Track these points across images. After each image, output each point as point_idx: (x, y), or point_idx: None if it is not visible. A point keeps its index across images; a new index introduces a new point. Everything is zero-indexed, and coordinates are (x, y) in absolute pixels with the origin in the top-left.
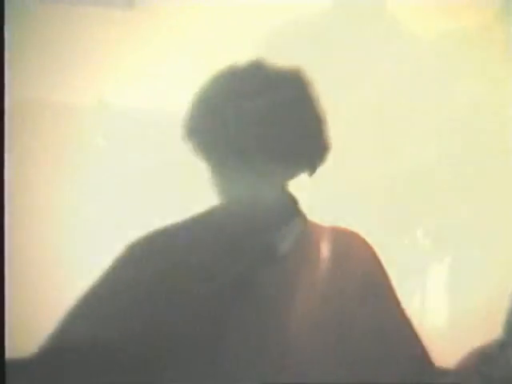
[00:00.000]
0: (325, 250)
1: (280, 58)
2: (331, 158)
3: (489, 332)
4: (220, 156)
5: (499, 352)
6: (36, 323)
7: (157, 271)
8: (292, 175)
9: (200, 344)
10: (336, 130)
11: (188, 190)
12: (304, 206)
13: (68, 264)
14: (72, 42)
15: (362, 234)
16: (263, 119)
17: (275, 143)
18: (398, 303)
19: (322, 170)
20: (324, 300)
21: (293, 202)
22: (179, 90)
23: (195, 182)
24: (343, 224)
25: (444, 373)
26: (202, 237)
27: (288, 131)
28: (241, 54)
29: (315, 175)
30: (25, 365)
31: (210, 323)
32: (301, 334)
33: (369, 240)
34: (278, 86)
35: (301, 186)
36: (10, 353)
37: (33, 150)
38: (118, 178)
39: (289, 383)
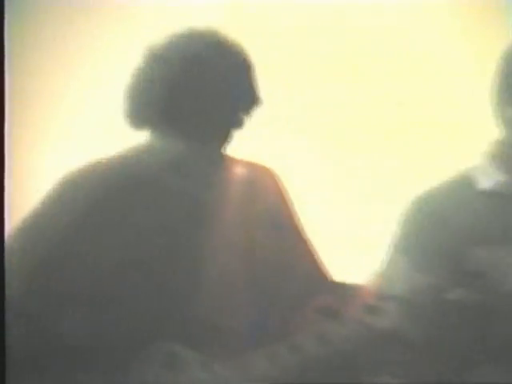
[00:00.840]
0: (239, 183)
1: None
2: None
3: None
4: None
5: (383, 304)
6: None
7: (88, 205)
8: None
9: (129, 275)
10: None
11: None
12: None
13: None
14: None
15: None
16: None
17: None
18: (300, 231)
19: None
20: (237, 229)
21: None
22: None
23: None
24: None
25: (340, 285)
26: (130, 175)
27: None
28: None
29: None
30: None
31: (136, 260)
32: (217, 258)
33: None
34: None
35: None
36: None
37: None
38: None
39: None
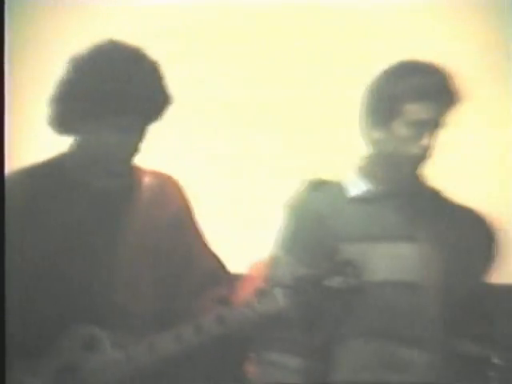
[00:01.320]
0: (145, 190)
1: None
2: None
3: None
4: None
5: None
6: None
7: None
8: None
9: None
10: None
11: None
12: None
13: None
14: None
15: None
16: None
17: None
18: (199, 232)
19: None
20: (146, 229)
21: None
22: None
23: None
24: None
25: (234, 275)
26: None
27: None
28: None
29: None
30: None
31: (61, 251)
32: (130, 254)
33: None
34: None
35: None
36: None
37: None
38: None
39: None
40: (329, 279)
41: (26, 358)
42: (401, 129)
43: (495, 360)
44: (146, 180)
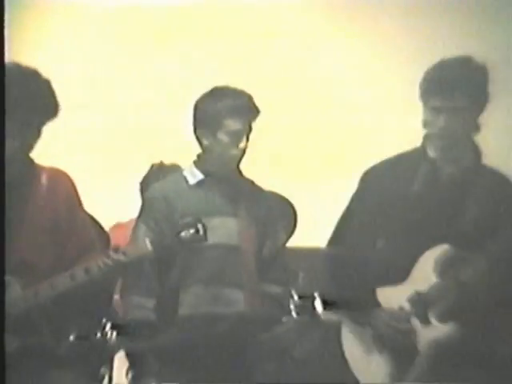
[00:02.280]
0: (42, 184)
1: None
2: None
3: None
4: None
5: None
6: None
7: None
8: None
9: None
10: None
11: None
12: None
13: None
14: None
15: None
16: None
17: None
18: (83, 210)
19: None
20: (46, 212)
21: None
22: None
23: None
24: None
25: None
26: None
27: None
28: None
29: None
30: None
31: None
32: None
33: None
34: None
35: None
36: None
37: None
38: None
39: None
40: (184, 232)
41: None
42: (223, 137)
43: (295, 297)
44: (44, 173)
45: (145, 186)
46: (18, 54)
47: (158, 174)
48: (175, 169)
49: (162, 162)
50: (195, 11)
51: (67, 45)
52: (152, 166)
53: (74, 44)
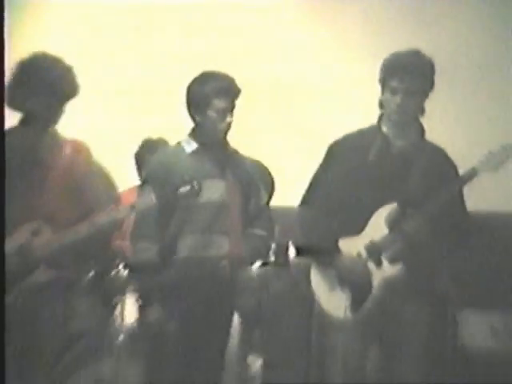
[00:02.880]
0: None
1: None
2: None
3: None
4: None
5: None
6: None
7: None
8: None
9: None
10: None
11: None
12: None
13: None
14: None
15: None
16: None
17: None
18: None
19: None
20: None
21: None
22: None
23: None
24: None
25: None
26: None
27: None
28: None
29: None
30: None
31: None
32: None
33: None
34: None
35: None
36: None
37: None
38: None
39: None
40: (182, 188)
41: None
42: (212, 114)
43: (273, 245)
44: (67, 144)
45: (139, 157)
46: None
47: (149, 146)
48: (162, 143)
49: (150, 137)
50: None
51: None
52: (143, 140)
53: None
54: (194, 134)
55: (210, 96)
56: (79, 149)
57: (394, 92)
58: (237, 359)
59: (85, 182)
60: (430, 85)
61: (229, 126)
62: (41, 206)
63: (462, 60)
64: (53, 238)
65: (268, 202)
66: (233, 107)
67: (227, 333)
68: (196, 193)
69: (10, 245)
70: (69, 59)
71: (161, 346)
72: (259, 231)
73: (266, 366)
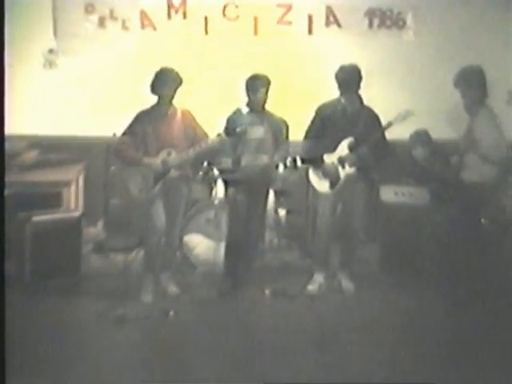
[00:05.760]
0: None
1: None
2: None
3: None
4: None
5: None
6: None
7: None
8: None
9: None
10: None
11: None
12: None
13: None
14: None
15: None
16: None
17: None
18: (198, 125)
19: None
20: (178, 122)
21: None
22: None
23: None
24: None
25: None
26: None
27: None
28: None
29: None
30: None
31: None
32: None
33: None
34: None
35: None
36: None
37: None
38: None
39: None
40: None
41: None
42: (256, 93)
43: (289, 157)
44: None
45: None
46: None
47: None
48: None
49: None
50: None
51: None
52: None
53: None
54: (248, 103)
55: (257, 85)
56: (187, 112)
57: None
58: (272, 211)
59: (192, 127)
60: (359, 79)
61: (264, 100)
62: (169, 140)
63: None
64: (178, 157)
65: (287, 137)
66: (267, 90)
67: (267, 199)
68: (244, 132)
69: (157, 160)
70: None
71: (235, 205)
72: (282, 152)
73: (287, 213)
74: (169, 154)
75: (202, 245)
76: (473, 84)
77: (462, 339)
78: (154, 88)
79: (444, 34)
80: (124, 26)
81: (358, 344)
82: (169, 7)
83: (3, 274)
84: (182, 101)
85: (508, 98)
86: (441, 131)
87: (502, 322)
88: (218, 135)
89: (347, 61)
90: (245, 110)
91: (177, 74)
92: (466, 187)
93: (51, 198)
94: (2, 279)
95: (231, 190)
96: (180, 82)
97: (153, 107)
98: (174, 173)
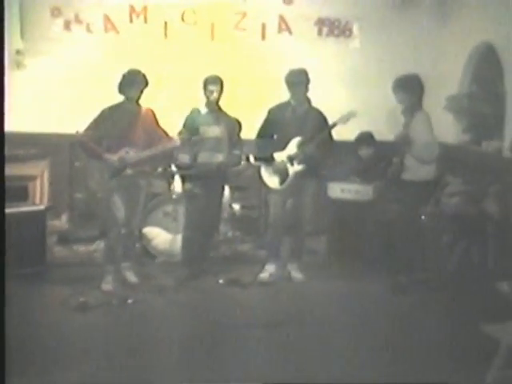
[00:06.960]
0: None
1: None
2: None
3: None
4: None
5: None
6: None
7: None
8: None
9: None
10: None
11: None
12: None
13: None
14: None
15: None
16: None
17: None
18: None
19: None
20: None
21: None
22: None
23: None
24: None
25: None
26: None
27: None
28: None
29: None
30: None
31: None
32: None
33: None
34: None
35: None
36: None
37: None
38: None
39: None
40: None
41: None
42: (209, 94)
43: (243, 155)
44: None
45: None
46: None
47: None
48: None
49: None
50: None
51: None
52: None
53: None
54: (206, 103)
55: (208, 84)
56: (150, 111)
57: (295, 86)
58: (227, 205)
59: (153, 126)
60: (307, 82)
61: (217, 99)
62: (131, 138)
63: None
64: (135, 156)
65: (239, 137)
66: (221, 89)
67: (222, 194)
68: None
69: (114, 157)
70: None
71: (192, 199)
72: (236, 151)
73: (241, 207)
74: (127, 153)
75: (160, 236)
76: (409, 90)
77: (401, 323)
78: (122, 89)
79: (387, 43)
80: (88, 30)
81: (307, 328)
82: (131, 12)
83: (3, 275)
84: (143, 101)
85: (445, 103)
86: (380, 132)
87: (436, 305)
88: (180, 133)
89: (297, 65)
90: (203, 110)
91: (143, 75)
92: (407, 185)
93: (18, 191)
94: (2, 279)
95: (188, 185)
96: (146, 83)
97: (118, 105)
98: (130, 170)
